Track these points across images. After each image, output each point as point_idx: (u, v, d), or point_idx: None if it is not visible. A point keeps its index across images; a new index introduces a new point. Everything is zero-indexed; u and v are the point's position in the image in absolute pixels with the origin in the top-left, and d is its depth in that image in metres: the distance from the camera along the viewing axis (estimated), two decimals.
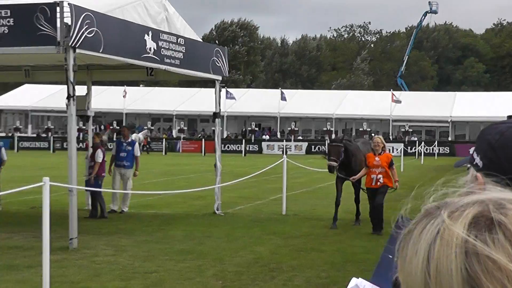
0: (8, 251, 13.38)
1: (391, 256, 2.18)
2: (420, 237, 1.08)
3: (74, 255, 12.93)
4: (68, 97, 13.71)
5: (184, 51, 17.72)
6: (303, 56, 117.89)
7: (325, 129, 73.52)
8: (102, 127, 75.08)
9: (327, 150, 17.62)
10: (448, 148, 67.80)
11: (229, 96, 63.95)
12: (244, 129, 77.21)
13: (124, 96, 67.79)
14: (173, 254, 13.08)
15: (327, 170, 17.12)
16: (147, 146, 63.59)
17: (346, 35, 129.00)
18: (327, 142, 18.80)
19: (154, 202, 21.29)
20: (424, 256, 1.05)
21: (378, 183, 15.56)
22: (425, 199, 1.15)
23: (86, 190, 18.30)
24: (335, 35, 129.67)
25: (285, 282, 10.86)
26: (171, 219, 18.02)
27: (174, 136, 74.94)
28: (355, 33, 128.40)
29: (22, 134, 74.30)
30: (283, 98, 68.69)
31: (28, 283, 10.63)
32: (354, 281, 2.33)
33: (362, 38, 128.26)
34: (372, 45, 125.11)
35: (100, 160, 18.03)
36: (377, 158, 15.62)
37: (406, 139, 70.49)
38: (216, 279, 10.75)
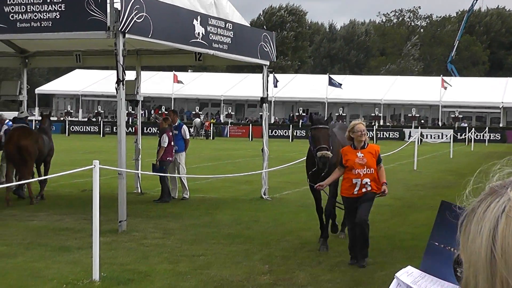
0: (59, 233, 13.62)
1: (437, 244, 2.18)
2: (484, 215, 1.06)
3: (123, 238, 13.11)
4: (118, 82, 13.86)
5: (232, 36, 17.73)
6: (352, 41, 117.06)
7: (373, 114, 73.04)
8: (152, 111, 75.69)
9: (312, 136, 12.31)
10: (499, 134, 66.77)
11: (276, 82, 63.88)
12: (291, 115, 77.07)
13: (179, 82, 67.99)
14: (221, 238, 13.17)
15: (317, 165, 12.06)
16: (207, 131, 63.95)
17: (395, 20, 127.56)
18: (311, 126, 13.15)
19: (201, 186, 21.42)
20: (489, 235, 1.02)
21: (364, 190, 10.79)
22: (490, 178, 1.14)
23: (141, 174, 18.47)
24: (384, 20, 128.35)
25: (332, 268, 10.87)
26: (218, 204, 18.13)
27: (222, 121, 75.16)
28: (405, 18, 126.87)
29: (73, 118, 75.26)
30: (331, 83, 68.32)
31: (78, 264, 10.83)
32: (405, 269, 2.34)
33: (412, 23, 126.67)
34: (422, 30, 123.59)
35: (165, 144, 18.14)
36: (359, 154, 10.80)
37: (456, 125, 69.63)
38: (263, 263, 10.80)
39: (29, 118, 21.06)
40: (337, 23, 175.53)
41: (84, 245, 11.68)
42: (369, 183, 10.80)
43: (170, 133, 18.41)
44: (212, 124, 66.67)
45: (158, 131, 18.89)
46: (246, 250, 11.80)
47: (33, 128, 21.28)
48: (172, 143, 18.43)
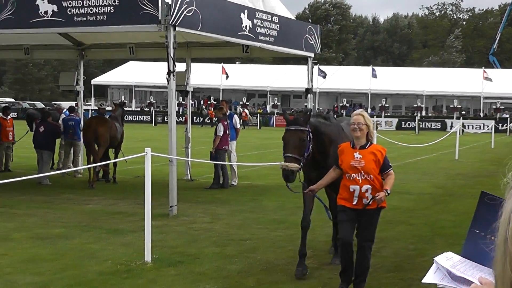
0: (114, 217, 13.81)
1: (478, 231, 2.17)
2: (508, 201, 1.08)
3: (173, 222, 13.24)
4: (169, 73, 13.96)
5: (278, 29, 17.71)
6: (395, 33, 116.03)
7: (415, 105, 72.32)
8: (201, 101, 76.00)
9: (283, 139, 9.34)
10: None
11: (320, 74, 63.62)
12: (335, 105, 76.72)
13: (225, 74, 68.12)
14: (266, 223, 13.22)
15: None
16: (244, 121, 64.08)
17: (437, 13, 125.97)
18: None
19: (248, 173, 21.48)
20: (507, 217, 1.04)
21: (365, 202, 8.24)
22: None
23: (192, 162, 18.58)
24: (426, 13, 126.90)
25: (374, 253, 10.77)
26: (264, 190, 18.17)
27: (268, 111, 75.14)
28: (447, 11, 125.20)
29: (127, 108, 75.92)
30: (373, 75, 67.81)
31: (131, 246, 10.97)
32: (445, 254, 2.33)
33: (454, 15, 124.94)
34: (464, 23, 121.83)
35: (220, 133, 18.24)
36: (356, 155, 8.24)
37: (497, 116, 68.58)
38: (307, 248, 10.81)
39: (98, 108, 21.70)
40: (380, 16, 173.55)
41: (137, 228, 11.82)
42: (369, 193, 8.17)
43: (225, 122, 18.52)
44: (248, 114, 66.51)
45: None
46: (291, 235, 11.81)
47: (80, 117, 21.61)
48: (228, 132, 18.55)
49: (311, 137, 9.15)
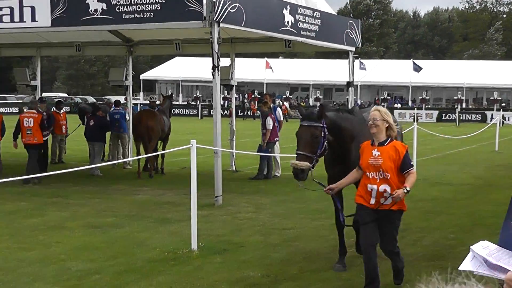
0: (162, 206, 13.95)
1: None
2: None
3: (219, 211, 13.31)
4: (213, 68, 14.01)
5: (319, 24, 17.65)
6: (435, 27, 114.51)
7: (455, 97, 71.41)
8: (246, 95, 76.10)
9: (296, 135, 8.66)
10: None
11: (362, 67, 63.18)
12: (376, 98, 76.18)
13: (269, 69, 68.11)
14: (309, 213, 13.21)
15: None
16: (285, 114, 63.80)
17: (478, 6, 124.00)
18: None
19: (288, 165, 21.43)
20: None
21: (383, 202, 7.56)
22: None
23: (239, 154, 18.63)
24: (466, 7, 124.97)
25: (414, 242, 10.77)
26: (306, 181, 18.11)
27: (311, 104, 74.90)
28: (487, 4, 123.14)
29: (174, 102, 76.30)
30: (414, 68, 67.11)
31: (178, 234, 11.07)
32: (481, 243, 2.33)
33: (494, 9, 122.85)
34: (504, 16, 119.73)
35: (270, 127, 18.30)
36: (375, 152, 7.57)
37: None
38: (348, 237, 10.79)
39: (146, 101, 22.12)
40: (421, 10, 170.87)
41: (184, 218, 11.91)
42: (389, 192, 7.47)
43: (272, 115, 18.55)
44: (288, 107, 66.03)
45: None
46: (333, 225, 11.71)
47: (127, 111, 21.91)
48: (276, 124, 18.58)
49: (326, 133, 8.41)
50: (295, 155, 8.45)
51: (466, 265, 2.31)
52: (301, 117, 8.68)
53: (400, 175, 7.50)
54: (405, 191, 7.35)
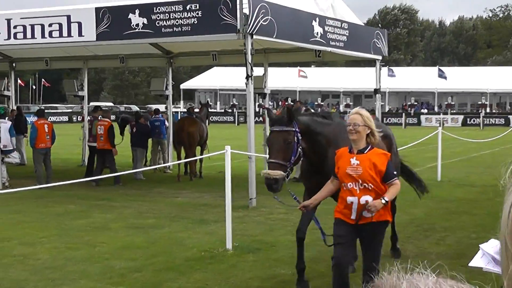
0: (199, 208, 14.01)
1: None
2: (509, 192, 1.07)
3: (252, 213, 13.33)
4: (247, 77, 14.07)
5: (347, 34, 17.61)
6: (460, 35, 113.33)
7: (480, 102, 70.55)
8: (279, 103, 76.06)
9: (266, 142, 8.10)
10: None
11: (390, 74, 62.77)
12: (404, 104, 75.62)
13: (304, 76, 68.24)
14: None
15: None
16: None
17: (501, 15, 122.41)
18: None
19: None
20: (508, 210, 1.04)
21: (363, 214, 6.39)
22: None
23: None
24: (490, 15, 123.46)
25: (438, 241, 10.67)
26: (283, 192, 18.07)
27: (341, 110, 74.66)
28: (510, 12, 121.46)
29: (212, 110, 76.72)
30: (440, 75, 66.45)
31: (214, 234, 11.11)
32: (490, 242, 2.31)
33: None
34: None
35: None
36: (353, 161, 6.41)
37: None
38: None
39: (188, 109, 22.45)
40: (446, 19, 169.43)
41: (220, 219, 11.94)
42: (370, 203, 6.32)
43: None
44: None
45: None
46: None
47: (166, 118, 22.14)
48: None
49: (299, 137, 7.34)
50: (268, 165, 7.39)
51: (477, 261, 2.31)
52: (270, 122, 7.65)
53: (385, 185, 6.39)
54: (383, 201, 6.24)
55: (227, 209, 10.03)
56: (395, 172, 6.50)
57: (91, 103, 68.39)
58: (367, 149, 6.42)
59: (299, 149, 7.37)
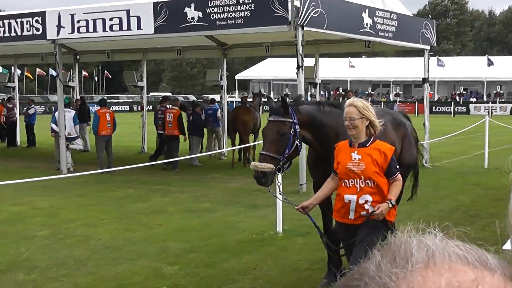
0: (251, 193, 14.05)
1: None
2: None
3: (303, 198, 13.23)
4: (298, 68, 14.03)
5: (396, 25, 17.39)
6: (510, 25, 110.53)
7: None
8: (331, 92, 75.65)
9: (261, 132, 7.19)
10: None
11: (440, 64, 61.76)
12: (453, 93, 74.31)
13: (351, 66, 67.82)
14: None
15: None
16: None
17: None
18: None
19: None
20: None
21: (363, 213, 5.75)
22: None
23: None
24: None
25: (483, 227, 10.48)
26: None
27: (391, 99, 73.83)
28: None
29: (264, 99, 76.63)
30: (489, 64, 65.02)
31: (266, 218, 11.16)
32: None
33: None
34: None
35: None
36: (354, 155, 5.73)
37: None
38: (421, 222, 10.61)
39: (241, 98, 22.62)
40: (496, 9, 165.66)
41: (271, 203, 11.95)
42: (370, 204, 5.66)
43: None
44: (383, 102, 65.47)
45: None
46: (408, 210, 11.60)
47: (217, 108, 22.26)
48: None
49: (297, 129, 6.52)
50: (253, 163, 6.58)
51: (508, 245, 2.29)
52: (269, 112, 6.76)
53: (386, 181, 5.72)
54: (390, 205, 5.59)
55: (278, 194, 10.04)
56: (397, 167, 5.75)
57: (151, 93, 69.36)
58: (369, 142, 5.70)
59: (297, 142, 6.57)
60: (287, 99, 6.91)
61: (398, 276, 0.63)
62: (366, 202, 5.66)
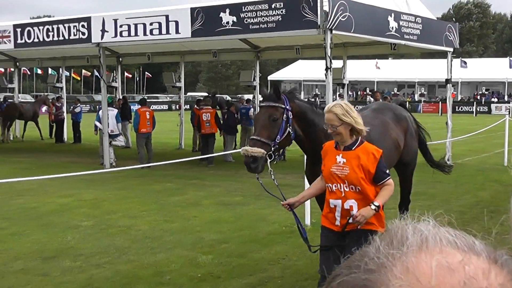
0: (282, 187, 13.72)
1: None
2: None
3: None
4: (326, 69, 13.98)
5: (421, 28, 17.20)
6: None
7: None
8: (358, 92, 75.20)
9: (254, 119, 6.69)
10: None
11: (463, 65, 60.92)
12: (475, 93, 73.31)
13: (377, 68, 67.33)
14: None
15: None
16: None
17: None
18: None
19: None
20: None
21: (351, 221, 5.02)
22: None
23: None
24: None
25: (502, 222, 10.18)
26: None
27: (416, 99, 73.14)
28: None
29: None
30: (510, 65, 63.93)
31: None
32: None
33: None
34: None
35: None
36: (339, 158, 5.14)
37: None
38: (442, 217, 10.51)
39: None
40: None
41: None
42: (355, 208, 5.06)
43: None
44: (408, 102, 64.73)
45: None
46: (429, 206, 11.54)
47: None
48: None
49: (290, 116, 5.97)
50: (243, 149, 6.03)
51: None
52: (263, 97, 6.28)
53: (376, 186, 5.08)
54: (373, 207, 4.90)
55: (306, 188, 10.03)
56: (387, 171, 5.09)
57: (188, 93, 69.65)
58: (356, 145, 5.09)
59: (289, 129, 5.99)
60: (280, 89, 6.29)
61: (394, 257, 0.67)
62: (351, 208, 5.06)
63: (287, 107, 5.99)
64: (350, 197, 5.06)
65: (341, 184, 5.09)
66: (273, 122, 5.92)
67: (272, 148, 5.92)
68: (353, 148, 5.08)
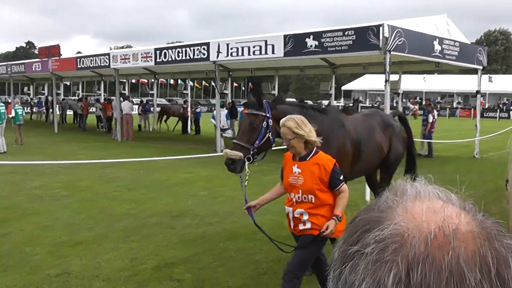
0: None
1: None
2: None
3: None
4: (385, 81, 13.36)
5: (458, 50, 16.19)
6: None
7: None
8: (410, 100, 72.38)
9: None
10: None
11: (489, 80, 57.47)
12: (499, 102, 68.86)
13: (424, 81, 64.39)
14: (445, 182, 12.06)
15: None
16: (415, 114, 55.51)
17: None
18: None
19: (436, 148, 19.96)
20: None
21: (302, 228, 4.15)
22: None
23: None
24: None
25: None
26: (446, 159, 16.89)
27: (454, 106, 69.59)
28: None
29: (362, 104, 74.50)
30: None
31: (358, 190, 10.62)
32: None
33: None
34: None
35: (430, 120, 17.84)
36: (295, 168, 4.13)
37: None
38: (470, 199, 9.74)
39: (342, 104, 22.10)
40: None
41: (361, 179, 11.44)
42: (306, 219, 4.17)
43: (433, 113, 18.05)
44: (417, 109, 59.80)
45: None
46: (460, 189, 10.71)
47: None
48: (435, 119, 18.16)
49: (270, 123, 5.04)
50: (225, 150, 5.13)
51: None
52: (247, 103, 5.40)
53: (328, 193, 4.17)
54: (337, 221, 4.04)
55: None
56: (341, 178, 4.15)
57: None
58: (310, 156, 4.18)
59: (269, 135, 5.06)
60: (262, 96, 5.26)
61: (397, 202, 0.72)
62: (302, 215, 4.19)
63: (268, 114, 5.07)
64: (301, 206, 4.18)
65: (295, 194, 4.20)
66: (253, 128, 5.05)
67: (251, 152, 5.04)
68: (307, 159, 4.17)
